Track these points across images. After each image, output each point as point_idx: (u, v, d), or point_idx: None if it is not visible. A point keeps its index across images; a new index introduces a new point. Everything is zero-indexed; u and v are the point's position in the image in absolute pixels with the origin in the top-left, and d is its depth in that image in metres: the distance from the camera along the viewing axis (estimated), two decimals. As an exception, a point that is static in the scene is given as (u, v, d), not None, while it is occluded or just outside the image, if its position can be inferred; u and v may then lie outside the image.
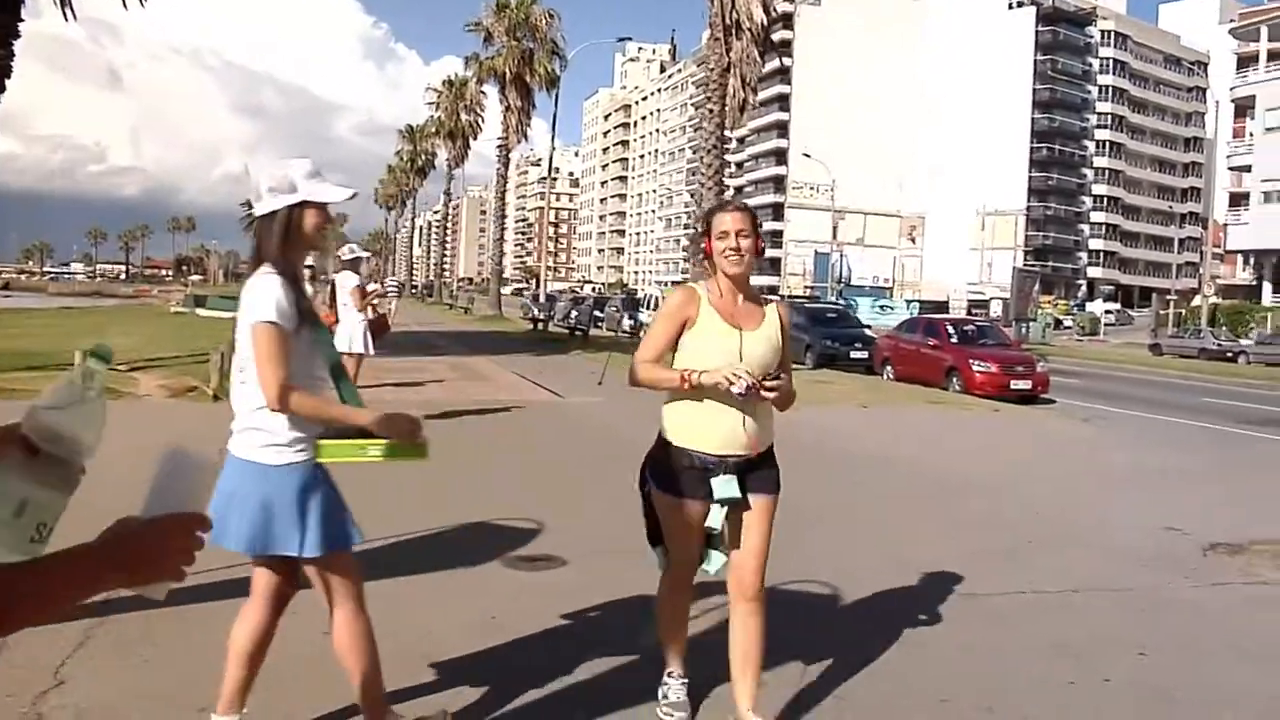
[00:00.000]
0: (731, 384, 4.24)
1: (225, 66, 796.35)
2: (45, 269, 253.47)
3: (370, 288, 14.37)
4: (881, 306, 72.55)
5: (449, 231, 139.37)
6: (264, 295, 3.73)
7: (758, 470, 4.62)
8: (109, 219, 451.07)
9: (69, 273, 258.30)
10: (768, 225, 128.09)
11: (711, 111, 26.49)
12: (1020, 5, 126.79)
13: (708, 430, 4.50)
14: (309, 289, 14.01)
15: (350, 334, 13.55)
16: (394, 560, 6.98)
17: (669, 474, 4.58)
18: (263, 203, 3.80)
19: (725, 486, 4.48)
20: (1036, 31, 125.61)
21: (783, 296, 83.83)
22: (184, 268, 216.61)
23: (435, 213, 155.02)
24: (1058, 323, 75.79)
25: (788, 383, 4.57)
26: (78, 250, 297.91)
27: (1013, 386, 23.64)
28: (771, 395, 4.39)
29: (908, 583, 7.27)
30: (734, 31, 25.68)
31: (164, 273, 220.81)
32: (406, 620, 5.95)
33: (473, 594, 6.66)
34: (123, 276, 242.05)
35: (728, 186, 28.10)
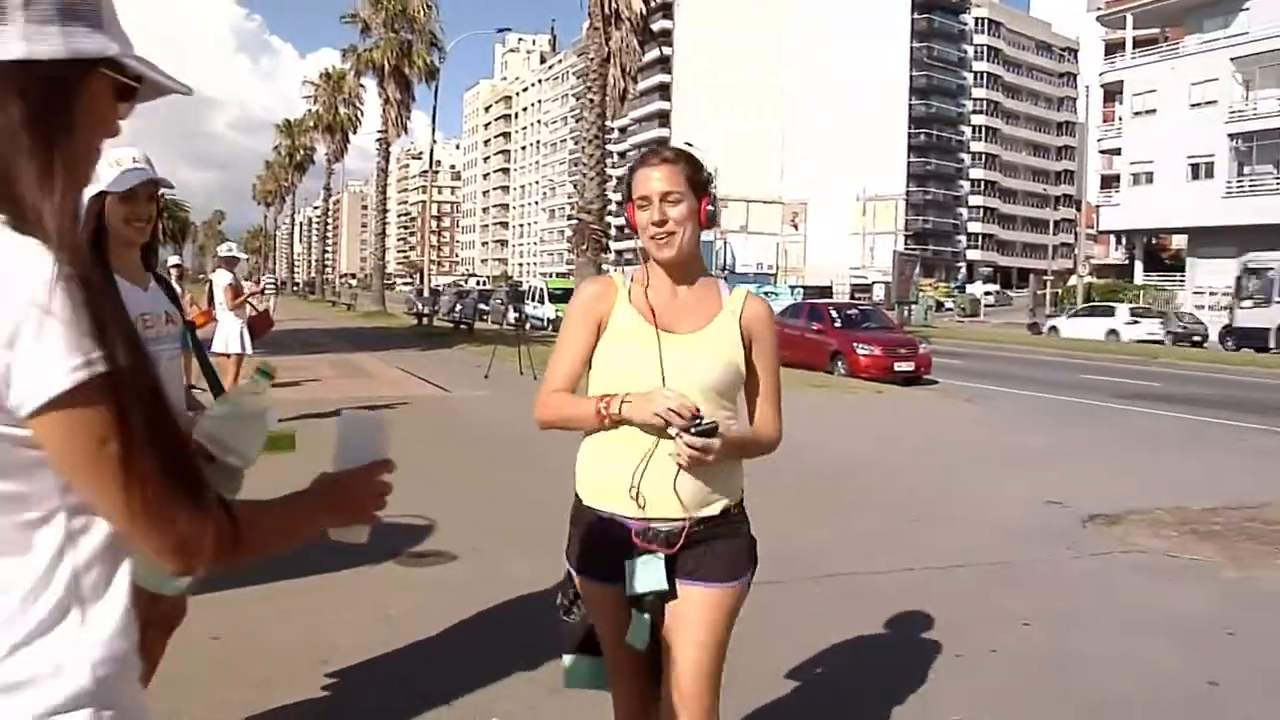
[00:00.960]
0: (668, 421, 2.94)
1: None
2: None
3: (246, 286, 14.14)
4: (766, 293, 72.87)
5: (330, 227, 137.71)
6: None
7: (706, 544, 3.20)
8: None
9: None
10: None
11: (592, 101, 26.46)
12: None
13: (628, 482, 3.09)
14: (178, 289, 13.78)
15: (227, 334, 13.33)
16: (282, 563, 6.83)
17: (583, 547, 3.28)
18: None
19: (645, 571, 3.12)
20: (912, 19, 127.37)
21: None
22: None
23: (315, 208, 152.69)
24: (939, 305, 77.13)
25: (747, 432, 3.29)
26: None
27: (896, 368, 23.89)
28: (688, 455, 2.96)
29: (793, 567, 7.27)
30: (613, 21, 25.65)
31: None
32: (299, 623, 5.86)
33: (366, 592, 6.57)
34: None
35: (610, 176, 27.98)
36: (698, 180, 3.20)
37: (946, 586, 7.11)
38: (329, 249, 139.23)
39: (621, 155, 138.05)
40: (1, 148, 1.43)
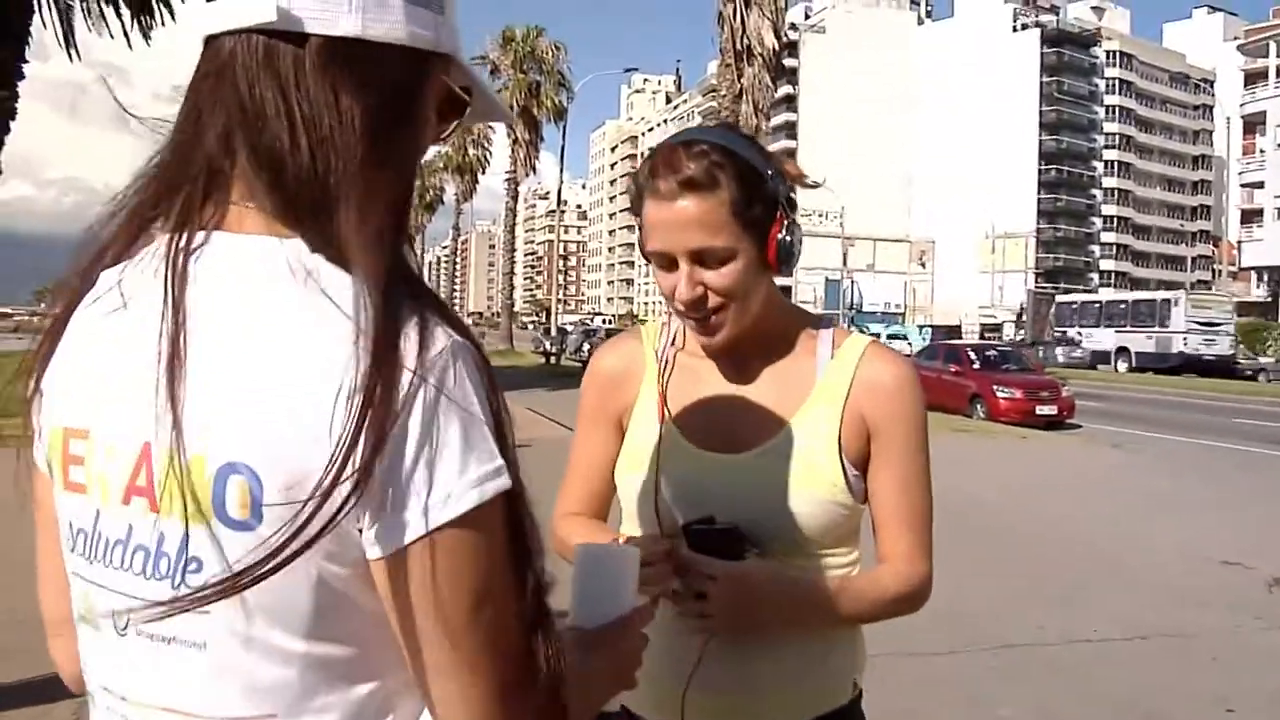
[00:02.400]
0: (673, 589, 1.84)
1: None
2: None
3: None
4: (891, 336, 72.05)
5: (458, 266, 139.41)
6: None
7: None
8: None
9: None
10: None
11: (723, 139, 26.08)
12: (1025, 28, 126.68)
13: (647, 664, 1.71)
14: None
15: None
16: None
17: None
18: None
19: None
20: (1041, 54, 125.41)
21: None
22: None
23: (444, 248, 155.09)
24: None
25: (860, 581, 2.00)
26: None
27: (1038, 412, 23.15)
28: (683, 610, 1.85)
29: (958, 634, 6.76)
30: (745, 57, 25.31)
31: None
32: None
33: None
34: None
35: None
36: (753, 201, 1.84)
37: (1131, 661, 6.52)
38: (457, 288, 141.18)
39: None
40: (329, 160, 1.07)
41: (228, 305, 1.04)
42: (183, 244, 1.08)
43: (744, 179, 1.81)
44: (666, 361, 2.07)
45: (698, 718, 1.93)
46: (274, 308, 1.02)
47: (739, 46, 25.18)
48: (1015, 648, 6.60)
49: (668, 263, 1.85)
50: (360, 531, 1.00)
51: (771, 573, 1.86)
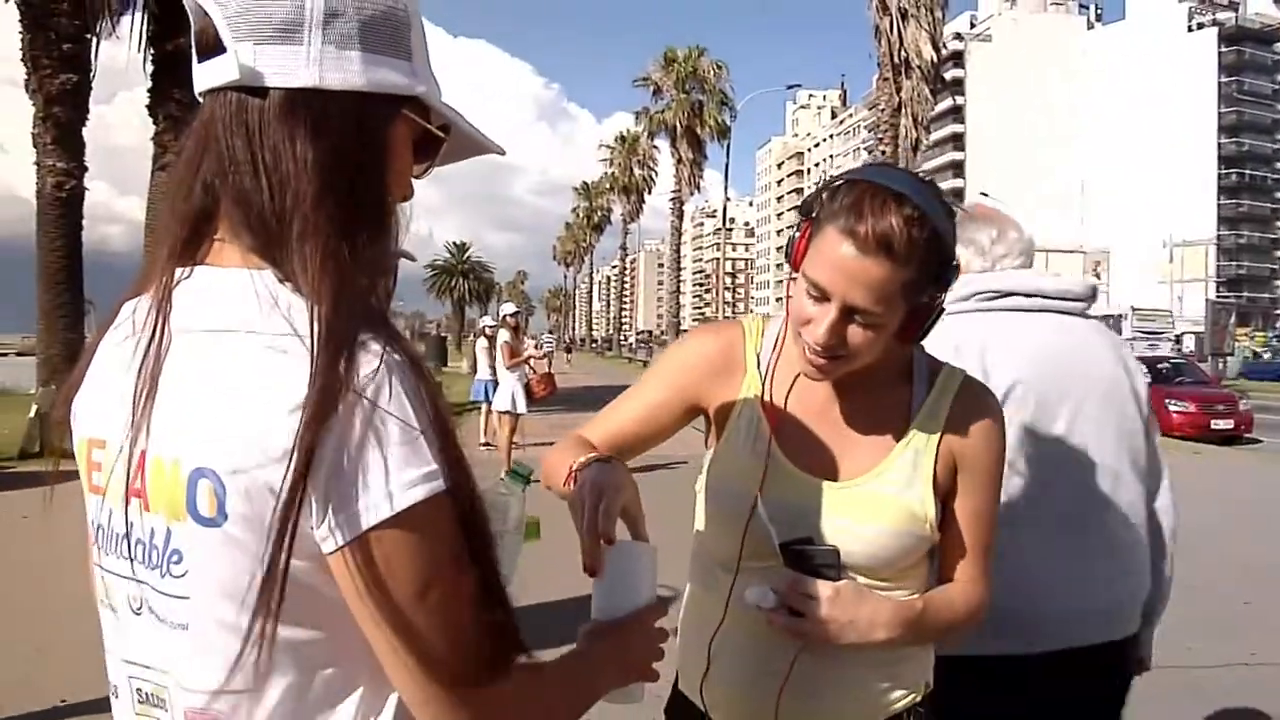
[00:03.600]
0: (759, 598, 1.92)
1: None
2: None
3: (528, 346, 14.52)
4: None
5: (627, 285, 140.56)
6: None
7: None
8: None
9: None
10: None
11: (884, 153, 25.94)
12: (1201, 27, 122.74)
13: (694, 657, 2.13)
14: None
15: (505, 393, 13.73)
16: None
17: None
18: None
19: None
20: (1219, 53, 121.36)
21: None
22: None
23: (613, 267, 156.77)
24: (1256, 356, 72.31)
25: (930, 604, 2.01)
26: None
27: (1213, 426, 22.51)
28: (783, 625, 1.90)
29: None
30: (903, 70, 25.10)
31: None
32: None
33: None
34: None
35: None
36: (927, 286, 1.85)
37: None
38: (625, 306, 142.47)
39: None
40: (286, 200, 1.18)
41: (203, 330, 1.18)
42: (170, 278, 1.23)
43: (932, 264, 1.82)
44: (769, 370, 2.08)
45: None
46: (241, 333, 1.15)
47: (896, 60, 24.98)
48: (1162, 670, 6.35)
49: (820, 295, 1.84)
50: (313, 529, 1.11)
51: (866, 595, 1.92)
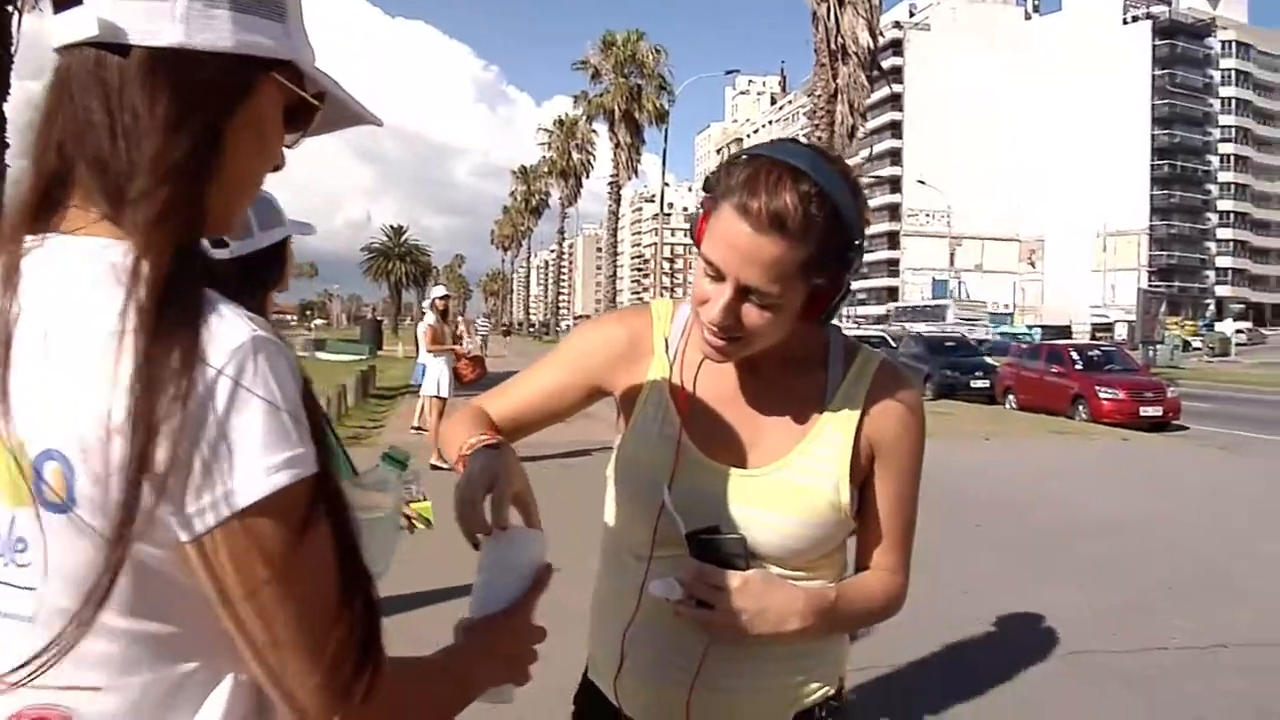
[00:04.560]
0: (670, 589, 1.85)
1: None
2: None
3: (461, 327, 14.54)
4: (1003, 334, 70.98)
5: (564, 270, 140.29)
6: None
7: None
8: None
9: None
10: (882, 255, 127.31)
11: (820, 139, 25.93)
12: (1135, 20, 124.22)
13: (607, 648, 2.06)
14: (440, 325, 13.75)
15: (433, 377, 13.65)
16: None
17: None
18: (253, 239, 3.37)
19: None
20: (1153, 46, 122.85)
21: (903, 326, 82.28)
22: (307, 312, 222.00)
23: (551, 251, 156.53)
24: (1186, 344, 73.42)
25: (845, 591, 1.95)
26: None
27: (1142, 413, 22.68)
28: (691, 617, 1.84)
29: (1029, 640, 6.64)
30: (840, 56, 25.12)
31: (288, 318, 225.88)
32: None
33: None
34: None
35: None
36: (828, 264, 1.75)
37: (1205, 672, 6.27)
38: (563, 290, 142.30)
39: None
40: (143, 165, 1.11)
41: (53, 303, 1.08)
42: (19, 246, 1.13)
43: (832, 241, 1.72)
44: (678, 354, 2.02)
45: (702, 718, 1.95)
46: (89, 305, 1.06)
47: (833, 46, 25.04)
48: (1083, 654, 6.41)
49: (716, 275, 1.76)
50: (171, 516, 1.03)
51: (775, 584, 1.85)
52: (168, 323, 1.03)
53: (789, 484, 1.89)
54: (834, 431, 1.92)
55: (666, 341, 2.05)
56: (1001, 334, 65.73)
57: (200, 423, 1.02)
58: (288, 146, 1.29)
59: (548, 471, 11.98)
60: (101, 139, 1.11)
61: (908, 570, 2.04)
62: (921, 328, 60.05)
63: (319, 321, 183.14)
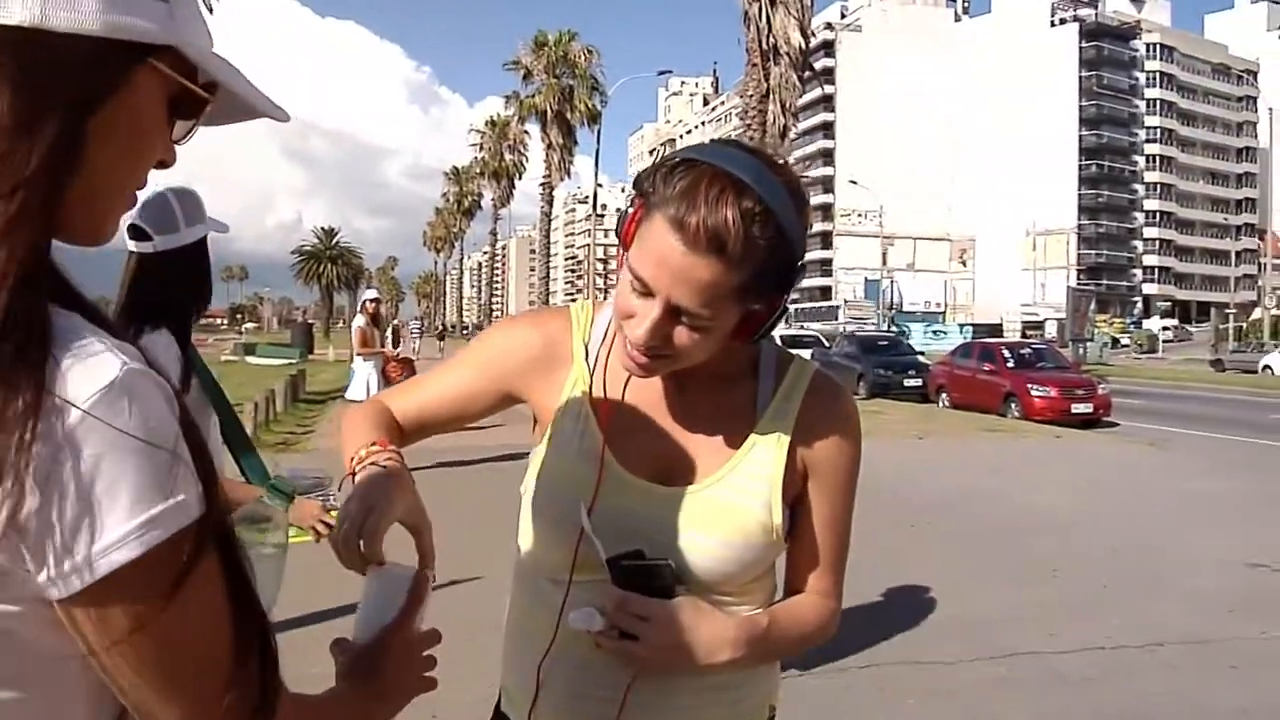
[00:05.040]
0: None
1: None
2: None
3: (401, 329, 14.42)
4: (935, 332, 71.66)
5: (498, 271, 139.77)
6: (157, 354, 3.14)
7: None
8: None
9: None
10: (816, 254, 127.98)
11: (752, 138, 25.90)
12: (1063, 22, 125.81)
13: (520, 678, 1.89)
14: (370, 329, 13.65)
15: (360, 381, 13.45)
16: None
17: None
18: (179, 235, 3.23)
19: None
20: (1080, 48, 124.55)
21: (834, 311, 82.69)
22: (238, 316, 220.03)
23: (484, 253, 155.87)
24: (1115, 342, 74.51)
25: (777, 616, 1.83)
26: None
27: (1073, 410, 22.94)
28: (614, 650, 1.70)
29: (970, 642, 6.57)
30: (771, 57, 25.10)
31: (218, 321, 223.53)
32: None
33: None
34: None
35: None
36: (764, 291, 1.63)
37: (1143, 670, 6.25)
38: (497, 292, 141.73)
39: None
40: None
41: None
42: None
43: (773, 263, 1.57)
44: (599, 362, 1.86)
45: None
46: None
47: (765, 46, 25.02)
48: (1022, 656, 6.36)
49: (644, 290, 1.60)
50: (30, 571, 0.90)
51: (704, 613, 1.71)
52: (5, 355, 0.88)
53: (718, 503, 1.76)
54: (766, 446, 1.79)
55: (586, 349, 1.89)
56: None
57: (60, 472, 0.88)
58: (177, 141, 1.10)
59: (478, 475, 11.83)
60: None
61: (840, 593, 1.93)
62: (817, 326, 60.75)
63: (250, 325, 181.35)
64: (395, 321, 21.09)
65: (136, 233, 3.15)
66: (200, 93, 1.08)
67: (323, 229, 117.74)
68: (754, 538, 1.76)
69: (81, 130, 0.97)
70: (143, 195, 3.27)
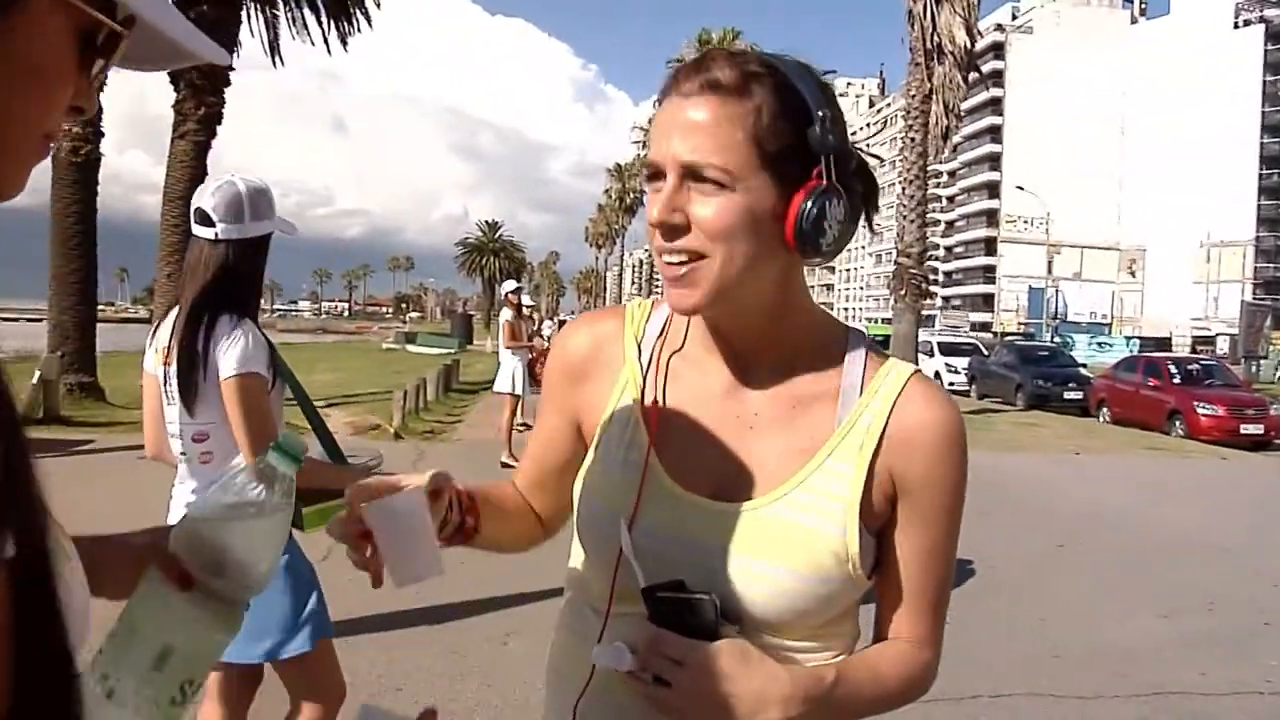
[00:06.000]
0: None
1: (444, 111, 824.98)
2: (275, 306, 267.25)
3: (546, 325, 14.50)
4: (1099, 344, 69.59)
5: (657, 269, 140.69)
6: (250, 344, 3.08)
7: None
8: (334, 259, 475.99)
9: (296, 310, 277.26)
10: (979, 260, 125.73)
11: (913, 140, 25.36)
12: (1247, 24, 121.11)
13: (555, 706, 1.70)
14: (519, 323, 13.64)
15: (505, 373, 13.49)
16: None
17: None
18: (242, 227, 3.17)
19: None
20: (1265, 51, 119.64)
21: (997, 334, 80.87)
22: (403, 305, 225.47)
23: (645, 250, 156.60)
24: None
25: (856, 667, 1.53)
26: (305, 289, 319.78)
27: (1243, 431, 22.00)
28: (645, 696, 1.43)
29: (1108, 676, 6.19)
30: (935, 56, 24.59)
31: (384, 310, 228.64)
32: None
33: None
34: (345, 314, 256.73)
35: (935, 219, 26.89)
36: (783, 136, 1.40)
37: (1303, 717, 5.81)
38: (656, 290, 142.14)
39: (950, 200, 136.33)
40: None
41: None
42: None
43: (781, 103, 1.39)
44: (652, 359, 1.65)
45: None
46: None
47: (929, 45, 24.53)
48: (1169, 695, 5.97)
49: (655, 173, 1.43)
50: None
51: (752, 660, 1.42)
52: None
53: (781, 523, 1.48)
54: (843, 461, 1.49)
55: (639, 345, 1.67)
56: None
57: None
58: (96, 79, 0.94)
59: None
60: None
61: (938, 641, 1.60)
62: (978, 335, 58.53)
63: (414, 314, 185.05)
64: (560, 316, 21.17)
65: (202, 217, 3.10)
66: (114, 25, 0.91)
67: (487, 223, 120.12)
68: (825, 569, 1.47)
69: None
70: (215, 182, 3.23)
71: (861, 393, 1.54)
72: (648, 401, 1.60)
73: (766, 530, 1.48)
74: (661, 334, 1.66)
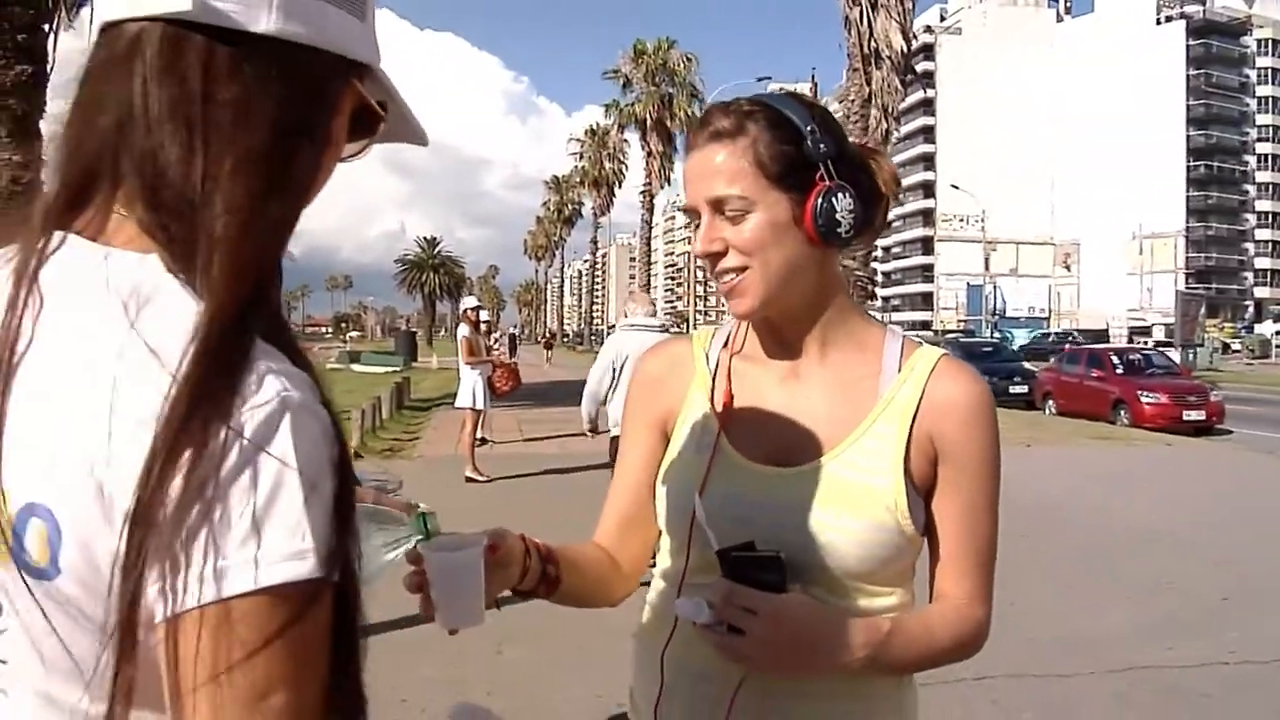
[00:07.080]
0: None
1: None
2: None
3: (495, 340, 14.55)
4: (1039, 337, 70.48)
5: (598, 279, 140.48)
6: None
7: None
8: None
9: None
10: (917, 260, 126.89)
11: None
12: (1169, 20, 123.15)
13: (648, 674, 1.85)
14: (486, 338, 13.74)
15: (466, 389, 13.64)
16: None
17: None
18: None
19: None
20: (1187, 46, 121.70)
21: (938, 332, 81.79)
22: (343, 324, 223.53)
23: (585, 261, 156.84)
24: (1225, 347, 72.74)
25: (909, 624, 1.72)
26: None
27: (1185, 418, 22.45)
28: (719, 645, 1.62)
29: (1084, 658, 6.45)
30: (873, 61, 24.88)
31: (323, 330, 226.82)
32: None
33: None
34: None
35: (874, 221, 27.04)
36: (781, 155, 1.67)
37: (1267, 684, 6.08)
38: (597, 300, 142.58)
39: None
40: (207, 169, 0.92)
41: (65, 326, 0.90)
42: (34, 252, 0.94)
43: (774, 131, 1.69)
44: (719, 364, 1.89)
45: None
46: (101, 330, 0.88)
47: (866, 50, 24.80)
48: (1141, 670, 6.22)
49: (692, 213, 1.76)
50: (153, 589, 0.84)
51: (816, 610, 1.62)
52: (209, 377, 0.85)
53: (838, 478, 1.69)
54: (887, 424, 1.72)
55: (707, 355, 1.93)
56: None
57: (200, 491, 0.82)
58: (344, 159, 1.09)
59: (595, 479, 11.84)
60: (162, 133, 0.91)
61: (989, 599, 1.80)
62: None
63: (354, 333, 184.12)
64: (511, 329, 21.35)
65: None
66: (379, 112, 1.10)
67: (425, 239, 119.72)
68: (878, 518, 1.67)
69: (326, 139, 1.02)
70: None
71: (900, 370, 1.77)
72: (716, 396, 1.84)
73: (824, 486, 1.69)
74: (726, 345, 1.92)
